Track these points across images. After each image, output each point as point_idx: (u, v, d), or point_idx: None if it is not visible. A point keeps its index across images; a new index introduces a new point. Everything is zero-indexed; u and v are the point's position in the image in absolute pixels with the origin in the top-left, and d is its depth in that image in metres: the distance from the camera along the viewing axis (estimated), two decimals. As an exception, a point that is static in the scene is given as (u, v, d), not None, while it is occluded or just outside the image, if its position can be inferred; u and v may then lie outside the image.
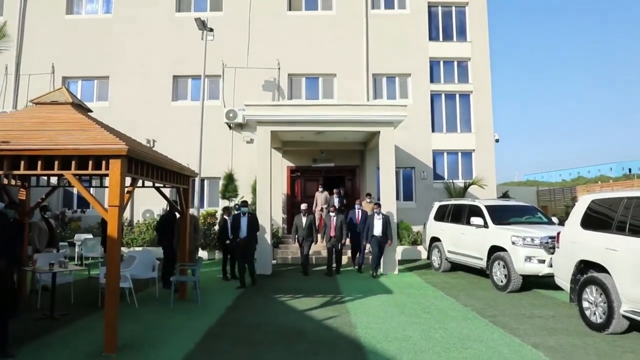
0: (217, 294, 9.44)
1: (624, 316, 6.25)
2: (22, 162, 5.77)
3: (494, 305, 8.52)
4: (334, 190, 15.49)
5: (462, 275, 12.01)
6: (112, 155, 5.74)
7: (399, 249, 15.27)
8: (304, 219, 12.07)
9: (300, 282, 11.06)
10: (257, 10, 18.06)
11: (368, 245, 12.41)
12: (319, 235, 12.50)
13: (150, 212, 16.56)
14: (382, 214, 12.07)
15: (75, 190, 17.17)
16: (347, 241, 12.74)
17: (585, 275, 7.04)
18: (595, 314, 6.72)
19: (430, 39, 18.49)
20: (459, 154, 18.50)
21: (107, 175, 5.88)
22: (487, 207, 11.15)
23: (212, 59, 16.54)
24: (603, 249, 6.63)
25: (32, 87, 17.16)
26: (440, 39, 18.74)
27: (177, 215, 9.69)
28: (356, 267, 12.70)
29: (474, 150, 18.29)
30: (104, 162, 5.81)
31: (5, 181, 8.55)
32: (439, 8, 18.92)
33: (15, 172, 5.83)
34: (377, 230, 11.91)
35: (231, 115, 16.96)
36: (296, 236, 12.29)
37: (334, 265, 12.22)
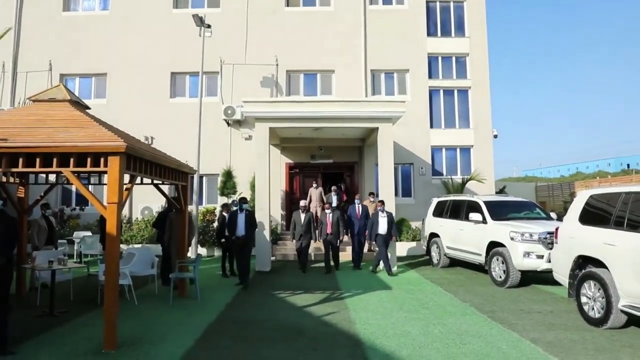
0: (216, 291, 9.45)
1: (622, 311, 6.28)
2: (21, 160, 5.76)
3: (492, 300, 8.54)
4: (332, 188, 15.50)
5: (460, 271, 12.03)
6: (110, 152, 5.73)
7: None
8: (302, 216, 12.01)
9: (299, 278, 11.07)
10: (255, 7, 18.01)
11: (366, 245, 12.35)
12: (317, 232, 12.51)
13: (149, 209, 16.55)
14: (387, 212, 11.92)
15: (73, 188, 17.14)
16: (345, 237, 12.71)
17: (583, 271, 7.06)
18: (593, 309, 6.75)
19: (429, 34, 18.47)
20: (458, 149, 18.51)
21: (105, 172, 5.88)
22: (485, 202, 11.17)
23: (210, 55, 16.52)
24: (601, 244, 6.65)
25: (30, 85, 17.10)
26: (439, 34, 18.72)
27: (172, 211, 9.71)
28: (355, 262, 12.48)
29: (472, 146, 18.30)
30: (102, 160, 5.80)
31: (4, 179, 8.54)
32: (437, 3, 18.89)
33: (14, 169, 5.82)
34: (382, 228, 11.71)
35: (229, 112, 16.93)
36: (294, 232, 12.18)
37: (332, 262, 12.16)
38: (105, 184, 6.17)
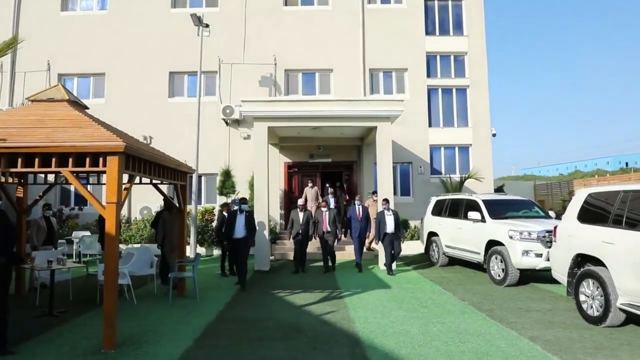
0: (215, 290, 9.45)
1: (620, 309, 6.29)
2: (19, 160, 5.76)
3: (491, 299, 8.56)
4: (329, 190, 15.52)
5: (459, 270, 12.05)
6: (109, 152, 5.73)
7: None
8: (300, 215, 11.84)
9: (298, 277, 11.08)
10: (253, 6, 18.00)
11: (367, 244, 12.24)
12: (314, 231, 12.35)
13: (148, 209, 16.55)
14: (392, 210, 11.75)
15: (72, 188, 17.13)
16: (344, 237, 12.68)
17: (582, 269, 7.07)
18: (592, 307, 6.76)
19: (427, 33, 18.48)
20: (456, 148, 18.53)
21: (104, 172, 5.87)
22: (484, 201, 11.18)
23: (208, 55, 16.51)
24: (600, 242, 6.66)
25: (28, 85, 17.08)
26: (437, 33, 18.73)
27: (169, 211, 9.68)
28: (359, 266, 12.00)
29: (470, 144, 18.32)
30: (101, 159, 5.80)
31: (3, 179, 8.53)
32: (435, 2, 18.91)
33: (13, 169, 5.81)
34: (390, 227, 11.48)
35: (228, 111, 16.93)
36: (291, 231, 11.90)
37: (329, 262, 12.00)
38: (104, 184, 6.16)
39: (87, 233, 14.61)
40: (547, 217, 11.12)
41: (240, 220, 9.93)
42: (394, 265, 11.71)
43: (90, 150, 5.76)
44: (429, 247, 13.31)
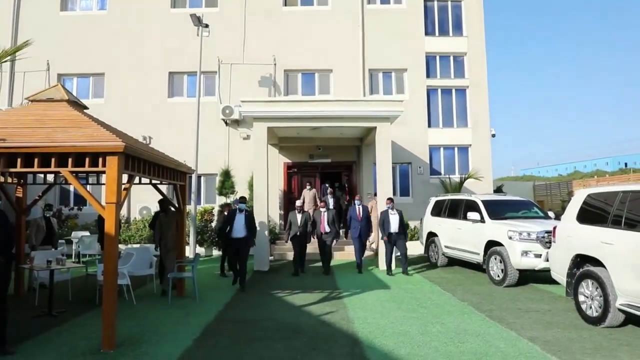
0: (215, 291, 9.45)
1: (619, 310, 6.30)
2: (19, 160, 5.76)
3: (490, 299, 8.56)
4: (328, 190, 15.50)
5: (458, 270, 12.05)
6: (109, 152, 5.73)
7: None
8: (298, 216, 11.68)
9: (297, 278, 11.07)
10: (253, 6, 18.00)
11: (368, 244, 12.16)
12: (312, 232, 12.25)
13: (147, 209, 16.54)
14: (397, 210, 11.66)
15: (71, 188, 17.13)
16: (344, 238, 12.66)
17: (581, 269, 7.07)
18: (591, 307, 6.76)
19: (427, 33, 18.49)
20: (456, 149, 18.54)
21: (104, 172, 5.87)
22: (483, 202, 11.19)
23: (208, 55, 16.52)
24: (599, 242, 6.67)
25: (27, 85, 17.07)
26: (437, 33, 18.74)
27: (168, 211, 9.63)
28: (360, 267, 11.89)
29: (470, 145, 18.33)
30: (100, 159, 5.80)
31: (2, 179, 8.53)
32: (435, 2, 18.91)
33: (12, 169, 5.81)
34: (394, 226, 11.43)
35: (227, 111, 16.93)
36: (289, 232, 11.74)
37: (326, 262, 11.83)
38: (104, 184, 6.16)
39: (87, 233, 14.61)
40: (547, 217, 11.13)
41: (240, 219, 9.85)
42: (396, 268, 11.72)
43: (89, 150, 5.76)
44: (428, 248, 13.32)
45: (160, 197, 9.32)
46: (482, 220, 10.76)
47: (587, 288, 6.86)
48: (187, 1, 18.40)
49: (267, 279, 11.03)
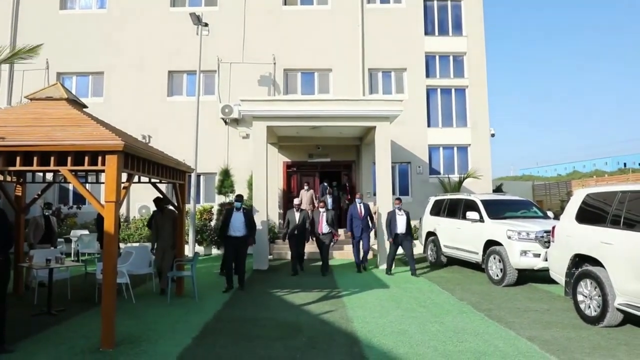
0: (214, 289, 9.44)
1: (618, 309, 6.31)
2: (18, 158, 5.75)
3: (489, 299, 8.57)
4: (328, 190, 15.48)
5: (457, 270, 12.06)
6: (108, 150, 5.73)
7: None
8: (296, 215, 11.56)
9: (296, 277, 11.08)
10: (252, 5, 18.00)
11: (369, 242, 11.97)
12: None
13: (147, 208, 16.53)
14: (404, 210, 11.49)
15: (71, 187, 17.13)
16: (342, 237, 12.60)
17: (580, 269, 7.08)
18: (589, 307, 6.77)
19: (426, 33, 18.49)
20: (455, 148, 18.55)
21: (103, 171, 5.87)
22: (482, 201, 11.20)
23: (208, 54, 16.52)
24: (598, 242, 6.68)
25: (27, 83, 17.05)
26: (436, 33, 18.74)
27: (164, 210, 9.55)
28: (359, 267, 11.89)
29: (469, 144, 18.34)
30: (100, 158, 5.79)
31: (1, 177, 8.53)
32: (435, 2, 18.91)
33: (11, 168, 5.81)
34: (401, 227, 11.27)
35: (227, 110, 16.93)
36: (287, 231, 11.62)
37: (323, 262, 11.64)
38: (103, 183, 6.16)
39: (86, 232, 14.61)
40: (546, 217, 11.14)
41: (238, 218, 9.62)
42: (395, 267, 11.68)
43: (89, 149, 5.76)
44: (427, 247, 13.32)
45: (161, 196, 9.31)
46: (481, 220, 10.77)
47: (585, 288, 6.87)
48: (186, 0, 18.39)
49: (266, 278, 11.03)
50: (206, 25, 15.12)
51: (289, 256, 13.93)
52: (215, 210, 16.38)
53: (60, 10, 18.18)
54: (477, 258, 10.86)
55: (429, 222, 13.23)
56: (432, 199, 13.63)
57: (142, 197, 15.96)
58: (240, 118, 16.85)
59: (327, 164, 17.74)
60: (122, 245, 13.61)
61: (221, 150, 17.26)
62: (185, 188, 9.42)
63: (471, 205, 11.35)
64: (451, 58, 18.73)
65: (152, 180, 8.51)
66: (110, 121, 7.76)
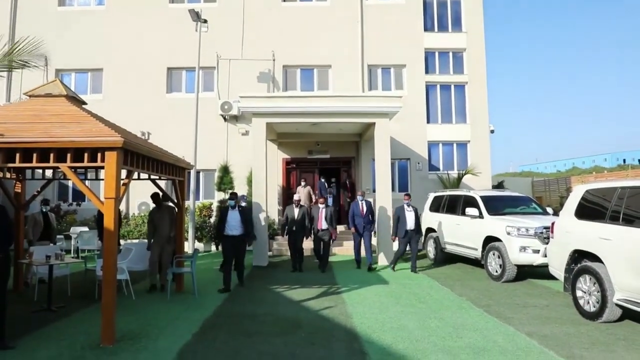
0: (214, 286, 9.43)
1: (617, 305, 6.33)
2: (17, 155, 5.75)
3: (488, 295, 8.59)
4: (328, 189, 15.47)
5: (457, 266, 12.09)
6: (107, 147, 5.73)
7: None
8: (295, 210, 11.38)
9: (296, 273, 11.09)
10: (251, 1, 17.96)
11: (369, 241, 11.87)
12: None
13: (146, 205, 16.53)
14: (412, 206, 11.32)
15: (70, 183, 17.13)
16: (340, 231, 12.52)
17: (579, 265, 7.10)
18: (588, 302, 6.79)
19: (426, 29, 18.46)
20: (454, 145, 18.55)
21: (102, 167, 5.87)
22: (482, 197, 11.21)
23: (207, 50, 16.49)
24: (597, 238, 6.69)
25: (25, 80, 17.01)
26: (436, 29, 18.71)
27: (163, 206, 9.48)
28: (359, 263, 11.79)
29: (469, 141, 18.34)
30: (99, 155, 5.79)
31: (0, 174, 8.52)
32: (434, -2, 18.89)
33: (10, 164, 5.80)
34: (410, 224, 11.10)
35: (226, 107, 16.92)
36: (285, 227, 11.45)
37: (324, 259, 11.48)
38: (102, 179, 6.16)
39: (85, 229, 14.61)
40: (545, 213, 11.15)
41: (234, 216, 9.34)
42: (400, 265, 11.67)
43: (88, 145, 5.76)
44: (426, 243, 13.34)
45: (160, 192, 9.30)
46: (481, 216, 10.78)
47: (584, 283, 6.88)
48: (185, -4, 18.35)
49: (266, 274, 11.05)
50: (205, 21, 15.10)
51: (288, 253, 13.97)
52: (214, 207, 16.38)
53: (59, 7, 18.14)
54: (477, 254, 10.87)
55: (429, 219, 13.24)
56: (432, 195, 13.64)
57: (142, 193, 15.96)
58: (239, 115, 16.85)
59: (327, 160, 17.75)
60: (122, 241, 13.62)
61: (220, 147, 17.25)
62: (184, 184, 9.42)
63: (470, 202, 11.35)
64: (451, 54, 18.71)
65: (152, 176, 8.51)
66: (109, 118, 7.75)
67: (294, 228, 11.33)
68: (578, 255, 7.20)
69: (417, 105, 17.83)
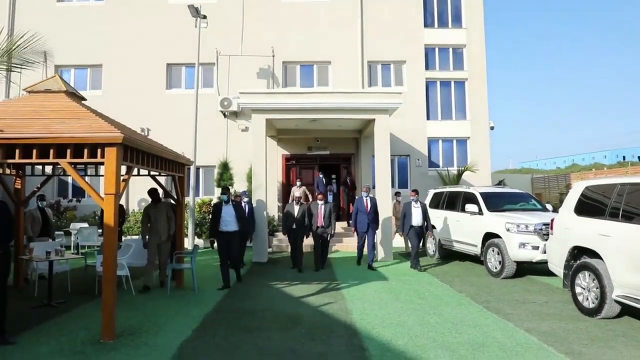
0: (213, 282, 9.44)
1: (615, 301, 6.34)
2: (17, 151, 5.75)
3: (488, 291, 8.61)
4: (328, 188, 15.46)
5: (456, 262, 12.11)
6: (107, 143, 5.72)
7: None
8: (296, 208, 11.13)
9: (295, 269, 11.07)
10: (251, -3, 17.91)
11: (372, 239, 11.51)
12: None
13: (146, 201, 16.51)
14: (420, 202, 11.29)
15: (70, 180, 17.13)
16: (338, 229, 12.47)
17: (578, 261, 7.11)
18: (587, 299, 6.81)
19: (426, 25, 18.44)
20: (454, 141, 18.56)
21: (102, 163, 5.87)
22: (481, 194, 11.21)
23: (206, 46, 16.46)
24: (596, 235, 6.70)
25: (25, 76, 16.93)
26: (436, 25, 18.69)
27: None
28: (359, 260, 11.64)
29: (468, 137, 18.35)
30: (99, 151, 5.79)
31: (0, 170, 8.52)
32: (434, -6, 18.85)
33: (10, 160, 5.80)
34: (417, 220, 11.03)
35: (226, 103, 16.90)
36: (285, 225, 11.28)
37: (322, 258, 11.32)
38: (102, 175, 6.16)
39: (85, 225, 14.63)
40: (544, 210, 11.15)
41: (228, 211, 9.07)
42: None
43: (88, 141, 5.75)
44: (426, 240, 13.34)
45: (160, 189, 9.30)
46: (480, 213, 10.79)
47: (584, 280, 6.90)
48: (185, -8, 18.29)
49: (265, 270, 11.06)
50: (205, 17, 15.05)
51: (289, 249, 13.97)
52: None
53: (57, 3, 18.09)
54: (476, 250, 10.89)
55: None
56: (431, 192, 13.65)
57: (142, 190, 15.93)
58: (239, 111, 16.84)
59: (326, 156, 17.75)
60: (123, 238, 13.63)
61: (220, 143, 17.25)
62: (184, 181, 9.42)
63: (470, 198, 11.36)
64: (451, 50, 18.69)
65: (152, 172, 8.51)
66: (109, 114, 7.74)
67: (294, 226, 11.13)
68: (577, 252, 7.20)
69: (417, 102, 17.82)
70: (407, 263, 11.93)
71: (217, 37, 17.22)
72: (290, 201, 12.08)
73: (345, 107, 13.01)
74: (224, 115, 17.39)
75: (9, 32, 17.47)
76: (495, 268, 10.02)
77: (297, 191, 14.78)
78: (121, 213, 12.35)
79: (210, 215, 9.36)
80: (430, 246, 13.05)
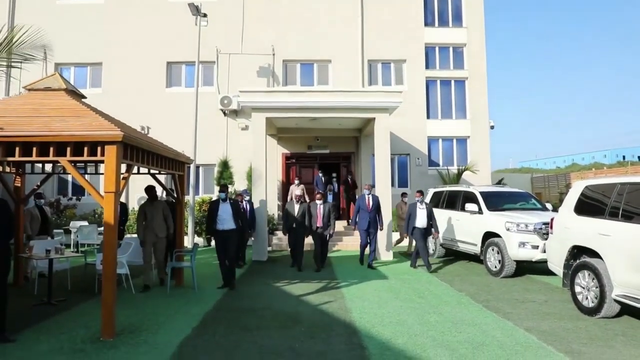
0: (213, 280, 9.45)
1: (615, 300, 6.34)
2: (17, 149, 5.74)
3: (487, 290, 8.61)
4: (328, 187, 15.44)
5: (456, 261, 12.11)
6: (107, 141, 5.72)
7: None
8: (296, 207, 11.02)
9: (294, 268, 11.07)
10: (252, -4, 17.90)
11: (375, 235, 11.29)
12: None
13: (145, 199, 16.52)
14: (426, 203, 11.16)
15: (70, 178, 17.14)
16: (338, 228, 12.38)
17: (578, 261, 7.11)
18: (587, 298, 6.81)
19: (426, 24, 18.44)
20: (454, 140, 18.56)
21: (102, 161, 5.86)
22: (481, 193, 11.21)
23: (206, 45, 16.45)
24: (596, 234, 6.70)
25: (24, 74, 16.92)
26: (436, 24, 18.69)
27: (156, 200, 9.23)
28: (368, 263, 11.22)
29: (468, 136, 18.35)
30: (99, 149, 5.78)
31: (0, 168, 8.52)
32: (435, -7, 18.83)
33: (10, 158, 5.79)
34: (422, 221, 10.86)
35: (226, 101, 16.90)
36: (285, 224, 11.21)
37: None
38: (102, 174, 6.16)
39: (85, 223, 14.62)
40: (544, 209, 11.16)
41: (225, 209, 8.87)
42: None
43: (88, 139, 5.75)
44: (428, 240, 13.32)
45: (160, 187, 9.29)
46: (480, 212, 10.79)
47: (583, 279, 6.90)
48: (185, -10, 18.28)
49: (265, 269, 11.06)
50: (205, 15, 15.05)
51: (288, 248, 13.96)
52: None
53: (57, 1, 18.06)
54: (476, 250, 10.89)
55: (428, 214, 13.23)
56: (431, 191, 13.64)
57: (141, 188, 15.91)
58: (239, 109, 16.84)
59: (326, 155, 17.75)
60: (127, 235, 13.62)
61: (220, 141, 17.25)
62: (184, 179, 9.42)
63: (470, 197, 11.36)
64: (451, 49, 18.70)
65: (152, 171, 8.50)
66: (109, 112, 7.74)
67: (294, 225, 11.03)
68: (577, 251, 7.21)
69: (417, 101, 17.82)
70: (407, 262, 11.93)
71: (217, 36, 17.22)
72: (289, 200, 12.06)
73: (345, 105, 13.00)
74: (224, 113, 17.39)
75: (9, 30, 17.45)
76: (495, 267, 10.03)
77: (297, 189, 14.71)
78: (124, 212, 12.36)
79: (207, 213, 9.25)
80: (430, 245, 13.04)
